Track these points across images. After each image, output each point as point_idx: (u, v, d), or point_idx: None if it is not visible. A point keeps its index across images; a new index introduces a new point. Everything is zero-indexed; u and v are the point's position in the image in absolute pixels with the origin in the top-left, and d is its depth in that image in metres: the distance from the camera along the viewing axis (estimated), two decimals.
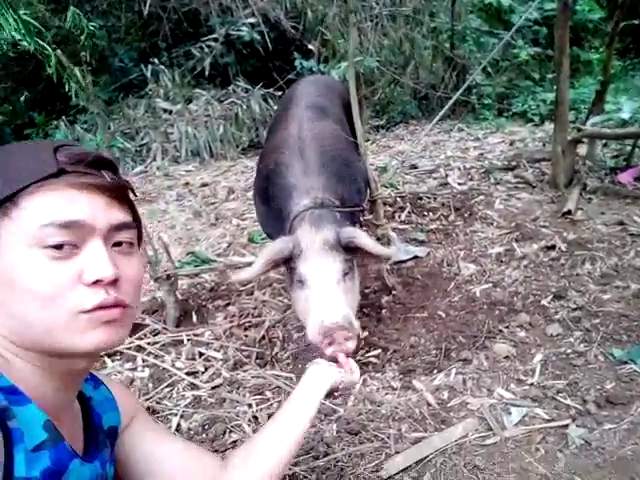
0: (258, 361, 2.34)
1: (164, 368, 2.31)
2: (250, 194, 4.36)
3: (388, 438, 1.80)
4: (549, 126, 5.13)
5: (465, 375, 2.10)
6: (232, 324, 2.60)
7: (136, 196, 0.94)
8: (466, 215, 3.58)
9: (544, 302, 2.50)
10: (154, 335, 2.58)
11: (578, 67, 6.22)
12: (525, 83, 6.59)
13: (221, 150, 5.91)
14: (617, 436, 1.70)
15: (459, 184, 4.15)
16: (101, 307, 0.77)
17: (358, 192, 2.43)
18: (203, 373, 2.28)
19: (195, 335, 2.55)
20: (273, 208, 2.27)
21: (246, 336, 2.51)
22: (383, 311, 2.59)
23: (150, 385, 2.22)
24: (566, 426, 1.76)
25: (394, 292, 2.71)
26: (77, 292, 0.76)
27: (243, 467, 1.09)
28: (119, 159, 5.60)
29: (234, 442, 1.85)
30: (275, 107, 5.76)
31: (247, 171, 5.28)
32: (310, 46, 6.14)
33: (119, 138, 5.85)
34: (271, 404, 2.05)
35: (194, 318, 2.71)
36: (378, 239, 2.61)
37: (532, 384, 2.00)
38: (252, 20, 5.91)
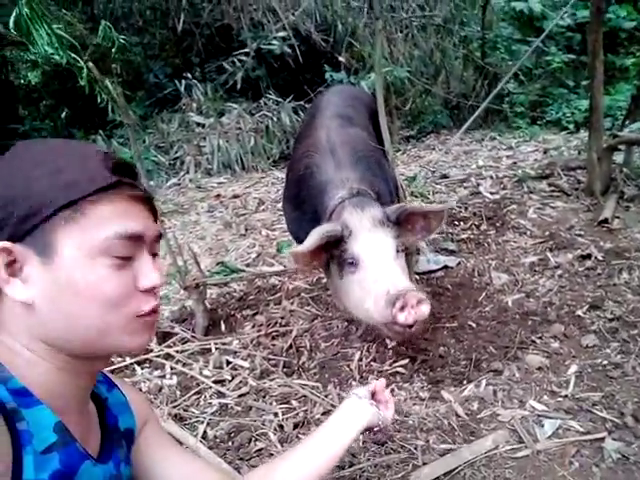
0: (285, 370, 2.33)
1: (192, 376, 2.32)
2: (280, 205, 4.40)
3: (415, 449, 1.77)
4: (584, 134, 5.00)
5: (496, 386, 2.04)
6: (260, 333, 2.60)
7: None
8: (498, 224, 3.51)
9: (579, 312, 2.42)
10: (183, 343, 2.60)
11: (613, 73, 6.06)
12: (559, 90, 6.46)
13: (252, 162, 5.97)
14: None
15: (491, 193, 4.08)
16: (153, 311, 0.84)
17: (390, 194, 2.38)
18: (230, 381, 2.28)
19: (223, 344, 2.56)
20: (306, 211, 2.20)
21: (273, 345, 2.51)
22: None
23: (178, 393, 2.24)
24: (602, 439, 1.70)
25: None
26: (135, 298, 0.82)
27: None
28: (153, 172, 5.72)
29: (259, 450, 1.84)
30: None
31: (277, 182, 5.32)
32: (340, 58, 6.17)
33: (153, 151, 5.98)
34: (297, 413, 2.03)
35: (222, 327, 2.72)
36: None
37: (566, 396, 1.93)
38: (283, 34, 5.97)
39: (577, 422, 1.79)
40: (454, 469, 1.66)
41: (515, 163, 4.85)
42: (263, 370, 2.33)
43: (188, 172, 5.94)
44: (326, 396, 2.11)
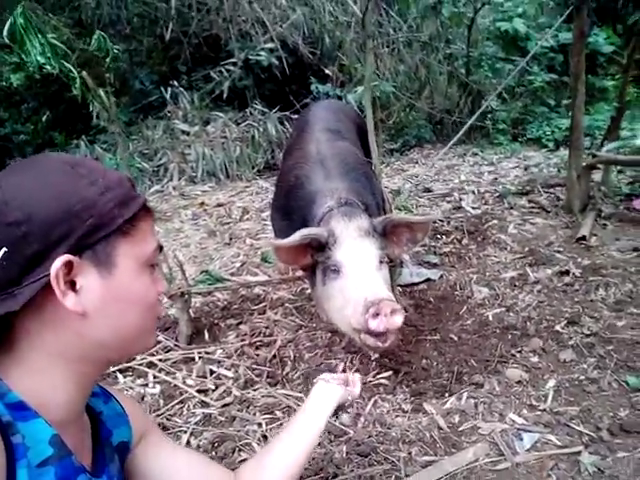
0: (269, 380, 2.34)
1: (175, 385, 2.32)
2: (265, 214, 4.41)
3: (398, 461, 1.79)
4: (564, 152, 5.13)
5: (477, 399, 2.08)
6: (244, 343, 2.61)
7: None
8: (479, 239, 3.58)
9: (557, 327, 2.48)
10: (166, 352, 2.59)
11: (593, 94, 6.23)
12: (540, 109, 6.62)
13: (237, 171, 5.97)
14: (631, 464, 1.67)
15: (473, 208, 4.16)
16: None
17: (377, 207, 2.42)
18: (214, 391, 2.28)
19: (207, 353, 2.55)
20: (295, 220, 2.20)
21: (257, 355, 2.52)
22: None
23: (161, 401, 2.23)
24: (579, 453, 1.74)
25: (406, 314, 2.70)
26: (158, 302, 0.92)
27: None
28: (137, 179, 5.69)
29: (243, 460, 1.84)
30: (291, 130, 5.83)
31: (262, 192, 5.34)
32: (327, 71, 6.24)
33: (137, 158, 5.94)
34: (281, 423, 2.04)
35: (206, 336, 2.72)
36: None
37: (544, 410, 1.98)
38: (270, 45, 6.02)
39: (555, 436, 1.84)
40: None
41: (496, 179, 4.95)
42: (247, 380, 2.33)
43: (172, 179, 5.91)
44: None
